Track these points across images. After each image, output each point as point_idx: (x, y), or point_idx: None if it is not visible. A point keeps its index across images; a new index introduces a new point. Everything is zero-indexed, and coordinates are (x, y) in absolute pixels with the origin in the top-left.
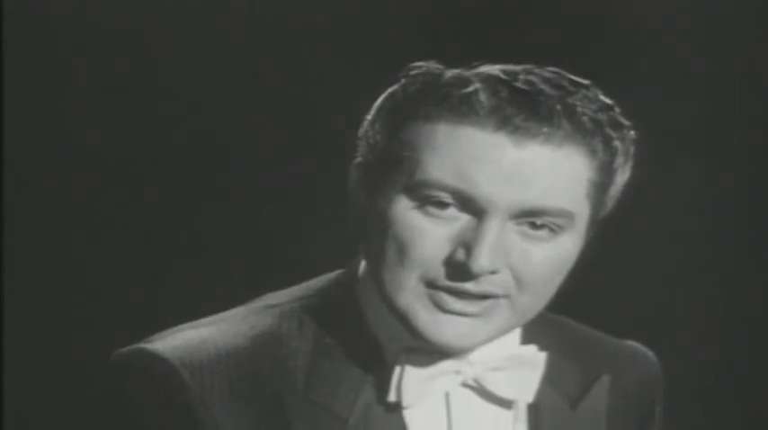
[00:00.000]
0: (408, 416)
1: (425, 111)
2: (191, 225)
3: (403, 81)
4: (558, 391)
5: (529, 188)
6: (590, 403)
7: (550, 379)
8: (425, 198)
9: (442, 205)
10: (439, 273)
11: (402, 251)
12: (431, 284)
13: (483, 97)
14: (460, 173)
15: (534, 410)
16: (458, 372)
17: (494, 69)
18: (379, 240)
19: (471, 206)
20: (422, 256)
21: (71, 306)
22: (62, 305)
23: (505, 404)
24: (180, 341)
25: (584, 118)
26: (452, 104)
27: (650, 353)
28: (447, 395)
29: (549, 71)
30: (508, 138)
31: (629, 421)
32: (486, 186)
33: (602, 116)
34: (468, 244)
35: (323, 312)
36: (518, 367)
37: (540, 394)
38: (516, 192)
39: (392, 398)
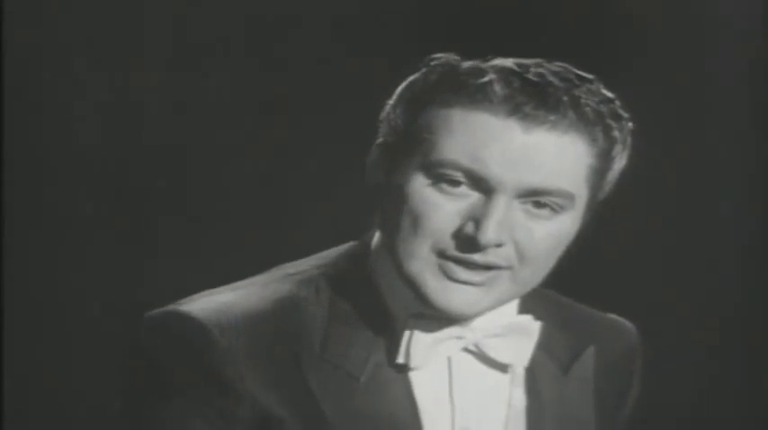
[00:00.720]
0: (413, 377)
1: (443, 98)
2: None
3: (424, 70)
4: (550, 358)
5: (535, 170)
6: (579, 370)
7: (544, 346)
8: (440, 176)
9: (455, 183)
10: (449, 245)
11: (416, 223)
12: (441, 254)
13: (497, 87)
14: (473, 154)
15: (529, 374)
16: (460, 338)
17: (507, 62)
18: (395, 213)
19: (481, 185)
20: (434, 228)
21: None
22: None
23: (503, 368)
24: (209, 304)
25: (588, 109)
26: (468, 92)
27: (631, 326)
28: (449, 359)
29: (557, 65)
30: (518, 124)
31: (612, 387)
32: (495, 167)
33: (603, 108)
34: (477, 218)
35: (337, 280)
36: (515, 334)
37: (535, 360)
38: (523, 173)
39: (401, 360)
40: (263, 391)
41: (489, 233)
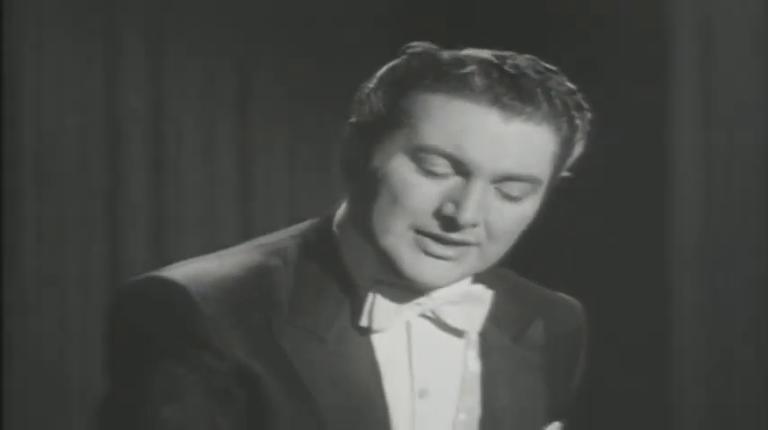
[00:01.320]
0: (376, 340)
1: (425, 84)
2: None
3: (405, 56)
4: (501, 328)
5: (510, 157)
6: (528, 341)
7: (495, 317)
8: (421, 159)
9: (436, 166)
10: (427, 222)
11: (396, 201)
12: (419, 231)
13: (478, 77)
14: (454, 141)
15: (483, 341)
16: (418, 304)
17: (484, 53)
18: (373, 191)
19: (461, 169)
20: (415, 207)
21: None
22: None
23: (458, 334)
24: (188, 271)
25: (557, 101)
26: (450, 80)
27: (578, 303)
28: (408, 324)
29: (527, 58)
30: (497, 113)
31: (559, 360)
32: (476, 153)
33: (569, 99)
34: (456, 200)
35: (305, 250)
36: (469, 302)
37: (487, 328)
38: (500, 160)
39: (364, 323)
40: (242, 351)
41: (469, 214)
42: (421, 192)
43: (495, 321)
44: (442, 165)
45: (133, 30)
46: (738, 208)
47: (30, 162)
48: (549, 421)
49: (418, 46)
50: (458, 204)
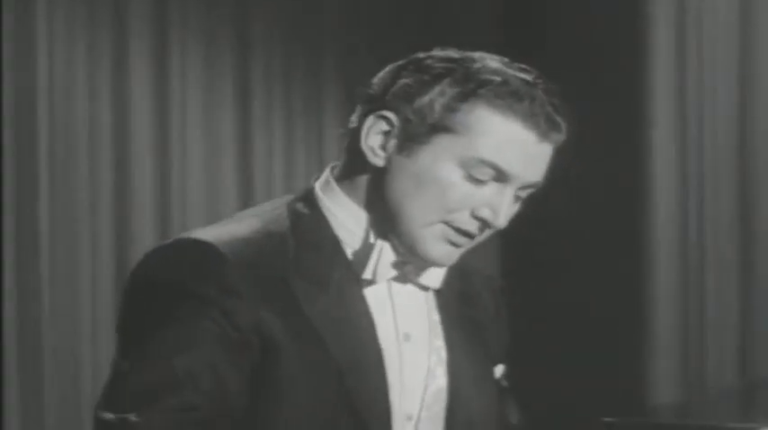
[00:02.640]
0: (366, 292)
1: (481, 96)
2: None
3: (463, 69)
4: (450, 287)
5: (537, 170)
6: (467, 298)
7: (448, 280)
8: (472, 167)
9: (484, 175)
10: (462, 220)
11: (440, 199)
12: (448, 224)
13: (527, 103)
14: (502, 155)
15: (437, 294)
16: (404, 263)
17: (522, 75)
18: (415, 185)
19: (500, 178)
20: (455, 207)
21: None
22: None
23: (424, 288)
24: (213, 233)
25: (567, 124)
26: (503, 99)
27: (499, 279)
28: (389, 281)
29: (546, 81)
30: (535, 135)
31: (489, 319)
32: (516, 168)
33: (570, 121)
34: (492, 205)
35: (299, 218)
36: (431, 266)
37: (442, 287)
38: (530, 173)
39: (368, 276)
40: (261, 296)
41: (503, 220)
42: (465, 195)
43: (447, 283)
44: (486, 174)
45: (138, 16)
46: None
47: (42, 147)
48: (493, 364)
49: (449, 52)
50: (494, 210)
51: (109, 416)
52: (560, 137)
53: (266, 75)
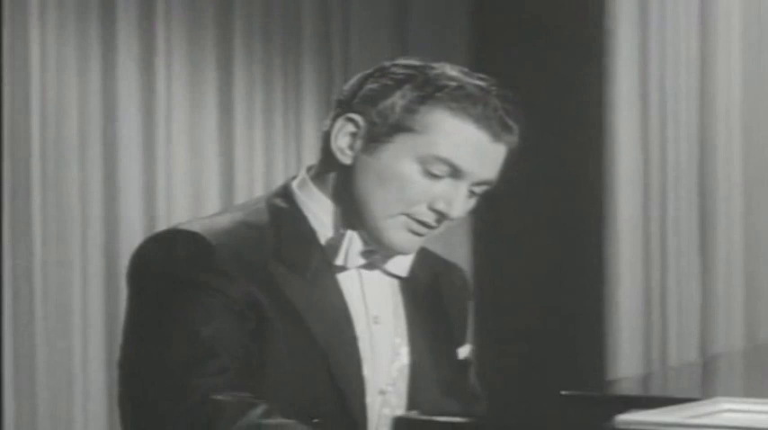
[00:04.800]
0: (339, 277)
1: (439, 101)
2: None
3: (423, 75)
4: (416, 274)
5: (491, 168)
6: (432, 284)
7: (414, 266)
8: (430, 164)
9: (441, 171)
10: (421, 212)
11: (400, 194)
12: (410, 216)
13: (480, 107)
14: (459, 153)
15: (405, 282)
16: (372, 251)
17: (476, 81)
18: (376, 181)
19: (455, 174)
20: (415, 200)
21: None
22: None
23: (392, 275)
24: (202, 224)
25: (518, 128)
26: (459, 103)
27: (463, 268)
28: (359, 270)
29: (501, 89)
30: (488, 135)
31: (454, 305)
32: (471, 165)
33: (520, 122)
34: (447, 199)
35: (277, 211)
36: (397, 254)
37: (409, 274)
38: (484, 170)
39: (340, 262)
40: (249, 281)
41: (458, 212)
42: (423, 189)
43: (413, 270)
44: (442, 171)
45: (126, 8)
46: None
47: (35, 138)
48: (458, 345)
49: (411, 60)
50: (449, 203)
51: (152, 389)
52: (513, 139)
53: (247, 79)
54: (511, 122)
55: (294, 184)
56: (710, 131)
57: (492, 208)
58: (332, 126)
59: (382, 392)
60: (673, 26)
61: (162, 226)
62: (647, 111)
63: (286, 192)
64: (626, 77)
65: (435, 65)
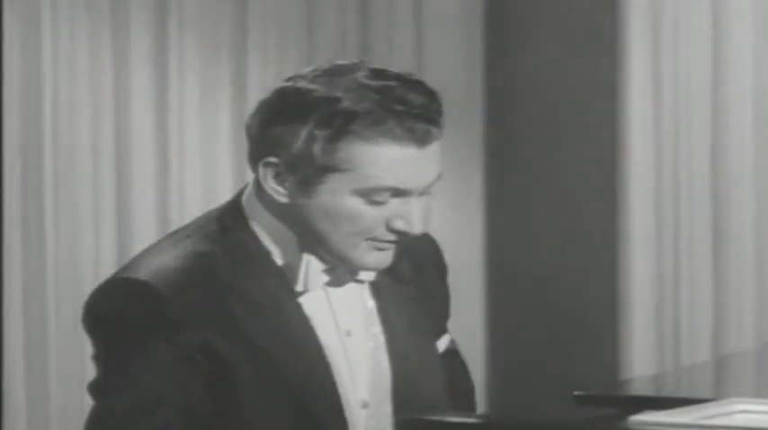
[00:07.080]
0: (302, 299)
1: (355, 133)
2: None
3: (325, 107)
4: (385, 272)
5: (429, 172)
6: (402, 277)
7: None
8: (371, 195)
9: (384, 197)
10: (380, 234)
11: (351, 227)
12: (373, 239)
13: (398, 129)
14: (396, 177)
15: (374, 285)
16: (334, 268)
17: (384, 83)
18: (324, 221)
19: (399, 194)
20: (369, 228)
21: None
22: None
23: (359, 282)
24: (147, 268)
25: (442, 117)
26: (381, 130)
27: (428, 234)
28: (324, 285)
29: (415, 83)
30: (415, 145)
31: (429, 288)
32: (410, 181)
33: (437, 105)
34: (403, 216)
35: (226, 236)
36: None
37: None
38: (424, 177)
39: (299, 288)
40: (202, 324)
41: (419, 227)
42: (374, 217)
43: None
44: (385, 196)
45: (139, 3)
46: None
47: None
48: (437, 337)
49: (308, 72)
50: (407, 220)
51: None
52: (439, 131)
53: (261, 76)
54: (431, 118)
55: (243, 200)
56: (723, 138)
57: (505, 210)
58: (256, 167)
59: (365, 405)
60: (684, 41)
61: (175, 222)
62: (661, 119)
63: (236, 211)
64: (639, 87)
65: (333, 82)
